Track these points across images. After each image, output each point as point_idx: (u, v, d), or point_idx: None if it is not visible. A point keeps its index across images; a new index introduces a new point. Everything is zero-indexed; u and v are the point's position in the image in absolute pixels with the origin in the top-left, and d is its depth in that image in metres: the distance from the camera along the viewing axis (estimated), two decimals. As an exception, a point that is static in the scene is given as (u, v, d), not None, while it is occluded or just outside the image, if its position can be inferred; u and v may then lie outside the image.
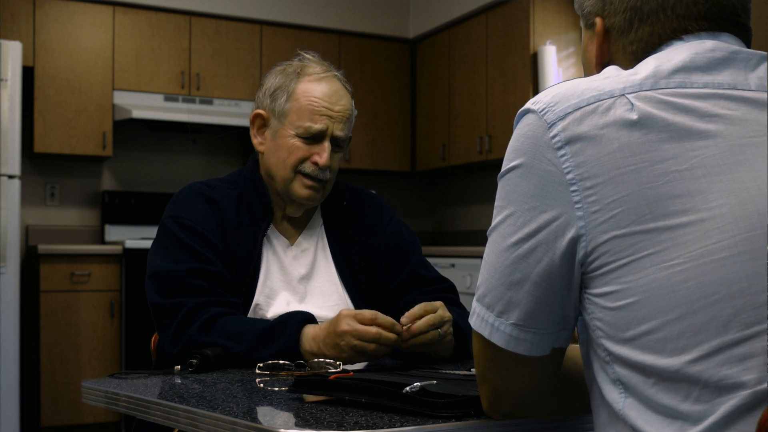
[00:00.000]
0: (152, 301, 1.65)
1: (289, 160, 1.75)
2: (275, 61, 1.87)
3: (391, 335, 1.46)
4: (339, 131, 1.76)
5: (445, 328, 1.53)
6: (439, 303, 1.55)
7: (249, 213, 1.77)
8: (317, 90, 1.75)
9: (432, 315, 1.51)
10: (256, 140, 1.81)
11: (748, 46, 0.99)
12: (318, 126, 1.73)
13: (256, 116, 1.81)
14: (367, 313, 1.47)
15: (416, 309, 1.51)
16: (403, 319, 1.49)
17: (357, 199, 1.89)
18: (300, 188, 1.76)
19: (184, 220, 1.70)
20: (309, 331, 1.54)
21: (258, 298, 1.71)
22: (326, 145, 1.75)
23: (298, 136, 1.74)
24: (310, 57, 1.83)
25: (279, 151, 1.76)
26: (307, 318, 1.57)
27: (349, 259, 1.82)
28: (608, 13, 1.03)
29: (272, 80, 1.80)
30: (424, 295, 1.79)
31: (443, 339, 1.53)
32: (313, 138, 1.74)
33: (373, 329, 1.46)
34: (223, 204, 1.75)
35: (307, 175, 1.75)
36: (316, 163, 1.74)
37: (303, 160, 1.75)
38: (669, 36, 0.98)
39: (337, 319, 1.49)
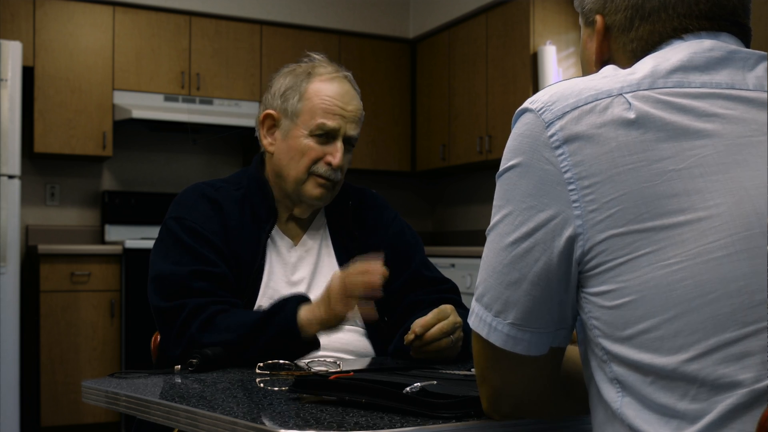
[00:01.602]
0: (154, 304, 1.65)
1: (302, 162, 1.75)
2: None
3: (374, 270, 1.52)
4: (351, 131, 1.77)
5: (456, 334, 1.55)
6: (450, 307, 1.57)
7: (252, 214, 1.76)
8: (329, 89, 1.76)
9: (445, 322, 1.53)
10: (265, 141, 1.81)
11: (748, 46, 0.99)
12: (332, 124, 1.74)
13: (266, 117, 1.80)
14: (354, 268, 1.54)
15: (430, 317, 1.53)
16: (416, 329, 1.52)
17: (361, 199, 1.89)
18: (312, 188, 1.76)
19: (187, 221, 1.70)
20: (305, 306, 1.57)
21: (261, 299, 1.71)
22: (339, 145, 1.75)
23: (311, 135, 1.74)
24: (320, 58, 1.84)
25: (291, 151, 1.76)
26: (304, 298, 1.61)
27: (353, 259, 1.82)
28: (609, 10, 1.03)
29: (282, 81, 1.80)
30: (426, 295, 1.79)
31: (454, 345, 1.54)
32: (327, 137, 1.75)
33: (357, 269, 1.53)
34: (227, 205, 1.75)
35: (319, 176, 1.75)
36: (329, 164, 1.74)
37: (316, 161, 1.75)
38: (669, 35, 0.98)
39: (329, 283, 1.56)
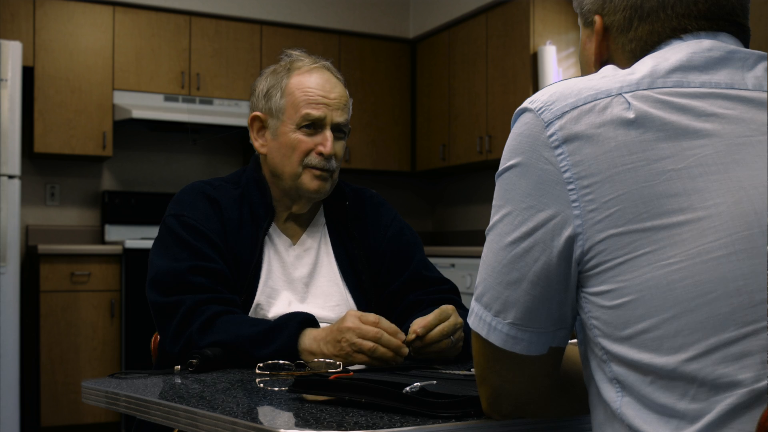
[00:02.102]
0: (152, 299, 1.65)
1: (294, 156, 1.75)
2: (275, 61, 1.87)
3: (393, 339, 1.46)
4: (338, 117, 1.76)
5: (457, 335, 1.54)
6: (451, 308, 1.56)
7: (251, 212, 1.77)
8: (310, 81, 1.76)
9: (446, 324, 1.52)
10: (257, 143, 1.81)
11: (746, 46, 0.99)
12: (317, 113, 1.74)
13: (254, 119, 1.81)
14: (371, 316, 1.48)
15: (431, 318, 1.52)
16: (418, 329, 1.49)
17: (359, 199, 1.89)
18: (309, 180, 1.76)
19: (186, 218, 1.71)
20: (310, 332, 1.54)
21: (259, 297, 1.71)
22: (328, 133, 1.75)
23: (299, 128, 1.75)
24: (297, 53, 1.84)
25: (283, 148, 1.76)
26: (308, 320, 1.57)
27: (352, 259, 1.82)
28: (608, 11, 1.03)
29: (264, 83, 1.81)
30: (425, 296, 1.79)
31: (455, 346, 1.54)
32: (314, 127, 1.75)
33: (375, 330, 1.46)
34: (225, 203, 1.75)
35: (314, 168, 1.75)
36: (321, 153, 1.74)
37: (308, 153, 1.75)
38: (668, 35, 0.98)
39: (343, 317, 1.50)
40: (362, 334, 1.45)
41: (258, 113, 1.81)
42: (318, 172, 1.75)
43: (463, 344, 1.59)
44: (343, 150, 1.80)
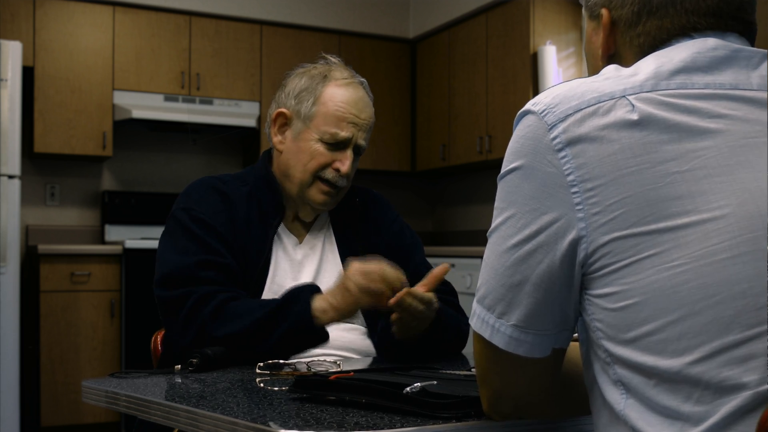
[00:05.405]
0: (159, 294, 1.65)
1: (310, 165, 1.75)
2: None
3: (395, 272, 1.57)
4: (362, 140, 1.78)
5: (428, 311, 1.59)
6: (435, 296, 1.62)
7: (259, 210, 1.77)
8: (345, 95, 1.76)
9: (427, 294, 1.59)
10: (276, 138, 1.81)
11: (753, 44, 0.99)
12: (344, 133, 1.74)
13: (279, 115, 1.80)
14: (374, 264, 1.58)
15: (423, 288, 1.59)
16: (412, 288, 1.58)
17: (365, 199, 1.90)
18: (316, 193, 1.76)
19: (195, 212, 1.71)
20: (319, 295, 1.61)
21: (266, 295, 1.72)
22: (349, 152, 1.76)
23: (322, 141, 1.75)
24: (336, 61, 1.84)
25: (300, 153, 1.76)
26: (316, 289, 1.64)
27: (356, 257, 1.82)
28: (615, 4, 1.01)
29: (297, 81, 1.80)
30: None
31: (423, 317, 1.60)
32: (337, 145, 1.75)
33: (377, 266, 1.56)
34: (235, 199, 1.76)
35: (325, 181, 1.76)
36: (337, 170, 1.75)
37: (324, 166, 1.75)
38: (677, 32, 0.97)
39: (348, 268, 1.60)
40: (366, 273, 1.55)
41: (284, 110, 1.79)
42: (327, 188, 1.76)
43: (438, 337, 1.66)
44: (355, 169, 1.81)
